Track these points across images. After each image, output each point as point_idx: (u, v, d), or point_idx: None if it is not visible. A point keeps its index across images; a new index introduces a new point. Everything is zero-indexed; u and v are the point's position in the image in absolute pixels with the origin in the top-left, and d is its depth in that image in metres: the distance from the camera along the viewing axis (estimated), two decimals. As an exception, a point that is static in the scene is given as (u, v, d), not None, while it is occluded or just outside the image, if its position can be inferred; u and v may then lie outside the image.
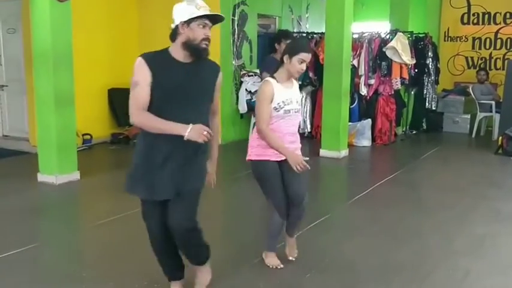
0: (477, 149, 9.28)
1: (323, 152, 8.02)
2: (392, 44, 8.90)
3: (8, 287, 3.55)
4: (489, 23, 11.11)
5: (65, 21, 6.07)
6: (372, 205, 5.60)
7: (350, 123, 8.56)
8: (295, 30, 10.72)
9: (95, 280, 3.64)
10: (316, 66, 9.09)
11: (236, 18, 9.11)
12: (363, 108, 9.20)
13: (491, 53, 11.15)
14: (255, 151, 3.62)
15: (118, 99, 8.66)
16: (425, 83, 10.07)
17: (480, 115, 10.04)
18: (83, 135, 8.09)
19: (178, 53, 2.87)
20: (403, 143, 9.58)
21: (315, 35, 9.74)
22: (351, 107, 8.80)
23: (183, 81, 2.85)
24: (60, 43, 6.02)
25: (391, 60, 8.98)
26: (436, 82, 10.43)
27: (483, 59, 11.23)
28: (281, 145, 3.47)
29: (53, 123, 6.05)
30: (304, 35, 10.06)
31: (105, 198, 5.88)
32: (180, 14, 2.82)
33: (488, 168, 7.51)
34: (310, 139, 9.35)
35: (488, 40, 11.16)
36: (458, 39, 11.47)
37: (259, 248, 4.03)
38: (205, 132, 2.71)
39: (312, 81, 9.45)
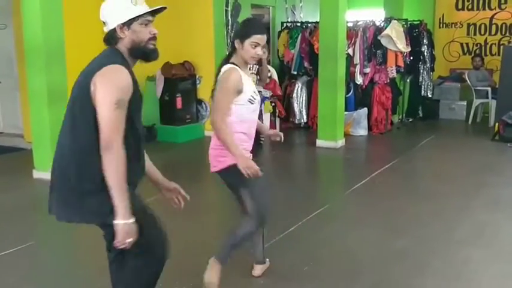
0: (474, 136, 9.26)
1: (320, 142, 7.98)
2: (387, 32, 8.85)
3: (5, 285, 3.51)
4: (484, 9, 11.07)
5: (56, 15, 5.99)
6: (370, 195, 5.58)
7: (346, 112, 8.52)
8: (289, 20, 10.65)
9: (91, 277, 3.60)
10: (311, 55, 9.05)
11: (229, 9, 9.02)
12: (359, 97, 9.17)
13: (486, 39, 11.11)
14: (216, 160, 3.14)
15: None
16: (421, 71, 10.04)
17: (476, 101, 10.01)
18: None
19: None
20: (400, 131, 9.56)
21: (309, 24, 9.70)
22: (347, 96, 8.76)
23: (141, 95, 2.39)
24: (51, 38, 5.94)
25: (386, 48, 8.95)
26: (432, 69, 10.39)
27: (478, 45, 11.19)
28: (235, 144, 3.00)
29: (46, 119, 5.98)
30: (299, 24, 9.99)
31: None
32: (115, 14, 2.29)
33: (486, 155, 7.49)
34: (307, 129, 9.32)
35: (483, 26, 11.12)
36: (453, 25, 11.42)
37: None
38: (129, 241, 2.22)
39: (307, 71, 9.41)
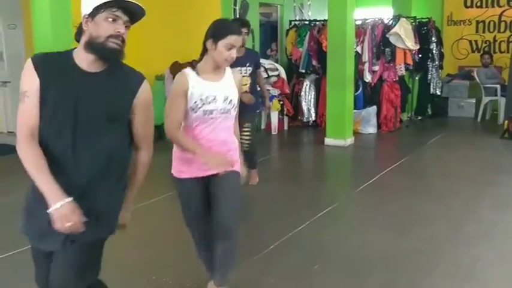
0: (483, 134, 9.22)
1: (328, 141, 7.98)
2: (395, 29, 8.82)
3: (21, 284, 3.54)
4: (493, 6, 11.01)
5: (65, 16, 6.02)
6: (379, 194, 5.58)
7: (355, 110, 8.51)
8: (297, 18, 10.64)
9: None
10: (319, 53, 9.04)
11: (237, 7, 9.05)
12: (368, 95, 9.17)
13: (495, 36, 11.05)
14: (176, 165, 2.93)
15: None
16: (430, 68, 10.00)
17: (485, 99, 9.97)
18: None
19: (81, 57, 2.08)
20: (409, 129, 9.53)
21: (317, 23, 9.68)
22: (356, 94, 8.74)
23: (78, 97, 2.04)
24: (61, 38, 5.96)
25: (395, 46, 8.92)
26: (440, 67, 10.36)
27: (487, 42, 11.13)
28: (193, 146, 2.78)
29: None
30: (307, 22, 9.99)
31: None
32: (83, 4, 2.06)
33: (495, 153, 7.46)
34: (315, 128, 9.32)
35: (492, 23, 11.06)
36: (461, 23, 11.37)
37: (268, 239, 4.02)
38: (68, 224, 1.96)
39: (316, 69, 9.40)
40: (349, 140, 8.02)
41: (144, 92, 2.16)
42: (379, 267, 3.73)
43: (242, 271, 3.49)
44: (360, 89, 9.06)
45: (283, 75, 9.26)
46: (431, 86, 10.14)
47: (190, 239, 3.13)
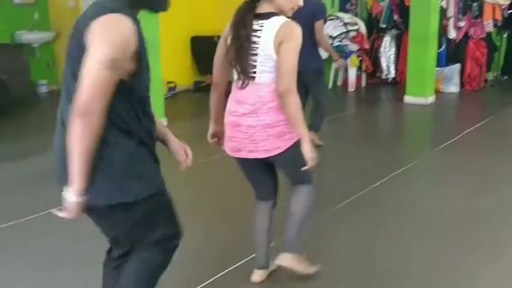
0: None
1: (408, 99, 7.79)
2: (485, -18, 8.35)
3: (54, 243, 3.46)
4: None
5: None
6: (459, 153, 5.43)
7: (437, 68, 8.22)
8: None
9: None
10: (402, 8, 8.75)
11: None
12: (451, 53, 8.79)
13: None
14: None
15: (200, 47, 8.77)
16: (520, 25, 9.41)
17: None
18: (167, 83, 8.32)
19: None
20: (494, 88, 9.10)
21: (400, -24, 9.31)
22: (438, 51, 8.41)
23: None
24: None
25: (483, 0, 8.47)
26: (532, 23, 9.71)
27: None
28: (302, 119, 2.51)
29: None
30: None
31: (191, 143, 6.09)
32: None
33: None
34: (394, 85, 9.10)
35: None
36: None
37: (342, 195, 4.05)
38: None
39: (397, 24, 9.10)
40: (430, 99, 7.79)
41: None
42: (455, 225, 3.67)
43: (318, 222, 3.55)
44: (444, 45, 8.70)
45: (363, 30, 9.03)
46: (521, 44, 9.56)
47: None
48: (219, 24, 8.86)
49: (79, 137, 1.69)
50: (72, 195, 1.75)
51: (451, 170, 4.93)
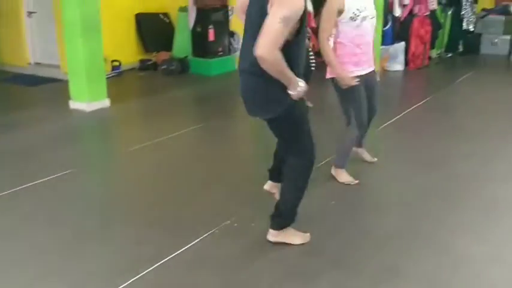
0: (515, 72, 8.95)
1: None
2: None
3: (46, 212, 3.67)
4: None
5: None
6: (402, 131, 5.52)
7: (382, 46, 8.30)
8: None
9: (130, 205, 3.74)
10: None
11: None
12: (397, 31, 8.88)
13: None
14: (345, 68, 3.74)
15: (145, 24, 8.55)
16: (463, 2, 9.59)
17: (521, 36, 9.59)
18: (111, 61, 8.09)
19: None
20: (438, 66, 9.30)
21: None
22: (384, 29, 8.49)
23: None
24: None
25: (428, -22, 8.55)
26: (475, 1, 9.92)
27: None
28: (335, 58, 3.68)
29: (80, 50, 6.02)
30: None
31: (136, 124, 5.96)
32: None
33: (527, 92, 7.27)
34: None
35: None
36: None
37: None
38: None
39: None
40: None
41: None
42: (400, 202, 3.75)
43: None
44: (390, 23, 8.76)
45: (310, 8, 8.96)
46: (464, 22, 9.75)
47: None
48: (164, 0, 8.59)
49: (272, 65, 2.55)
50: (300, 84, 2.70)
51: (392, 149, 5.01)
